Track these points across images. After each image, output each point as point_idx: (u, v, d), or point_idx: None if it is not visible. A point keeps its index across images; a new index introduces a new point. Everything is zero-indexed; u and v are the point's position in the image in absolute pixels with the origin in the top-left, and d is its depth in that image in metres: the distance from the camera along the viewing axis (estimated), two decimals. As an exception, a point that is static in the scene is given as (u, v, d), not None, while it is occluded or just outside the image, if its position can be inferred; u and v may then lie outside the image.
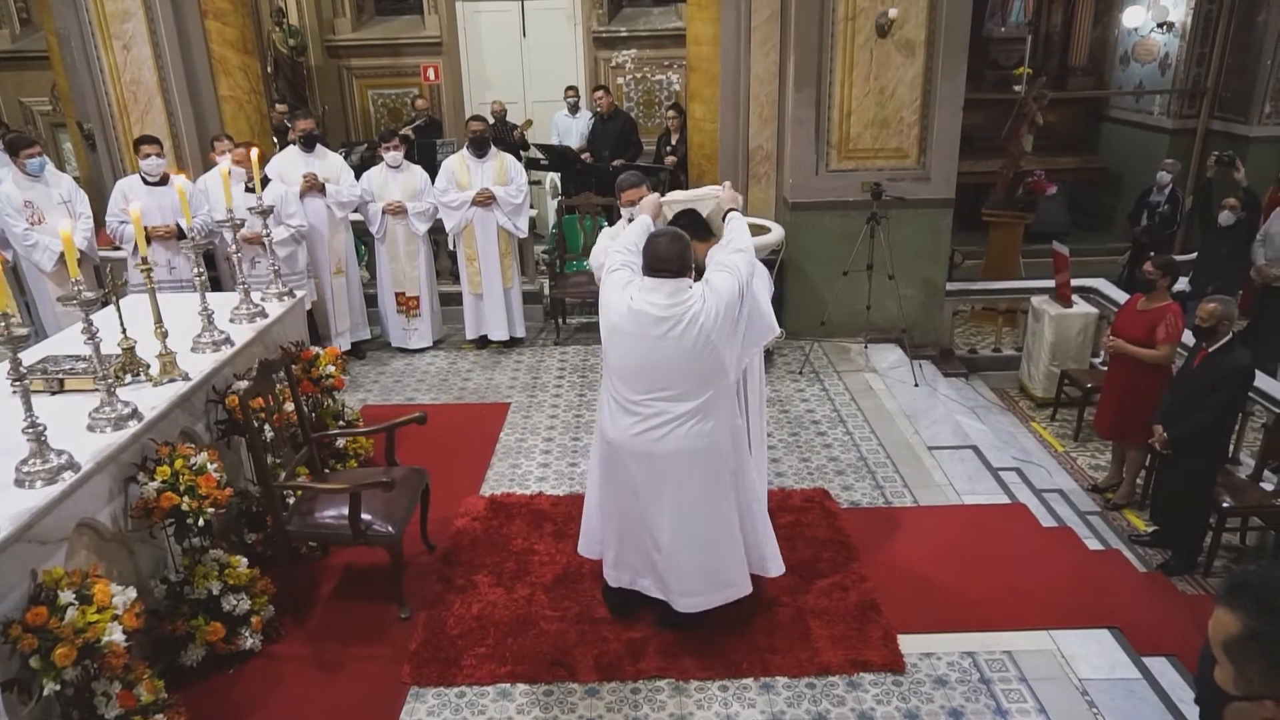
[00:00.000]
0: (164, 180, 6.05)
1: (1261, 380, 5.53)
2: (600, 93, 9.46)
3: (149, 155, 6.06)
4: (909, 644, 3.64)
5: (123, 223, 6.05)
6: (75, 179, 6.86)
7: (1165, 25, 10.99)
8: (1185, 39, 10.76)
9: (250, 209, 4.81)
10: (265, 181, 5.94)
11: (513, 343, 7.15)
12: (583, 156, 9.20)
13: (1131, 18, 11.54)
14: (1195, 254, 8.36)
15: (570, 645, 3.64)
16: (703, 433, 3.37)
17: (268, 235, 5.18)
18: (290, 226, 6.20)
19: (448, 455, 5.21)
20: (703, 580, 3.54)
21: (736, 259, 3.41)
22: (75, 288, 3.14)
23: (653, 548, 3.52)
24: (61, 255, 5.72)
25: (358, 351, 6.99)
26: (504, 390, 6.36)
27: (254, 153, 4.93)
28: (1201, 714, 1.28)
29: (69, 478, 3.03)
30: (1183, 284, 7.87)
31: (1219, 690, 1.20)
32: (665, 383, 3.33)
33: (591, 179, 8.74)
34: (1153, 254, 6.04)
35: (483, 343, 7.14)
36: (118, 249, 6.41)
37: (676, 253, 3.30)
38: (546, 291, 7.59)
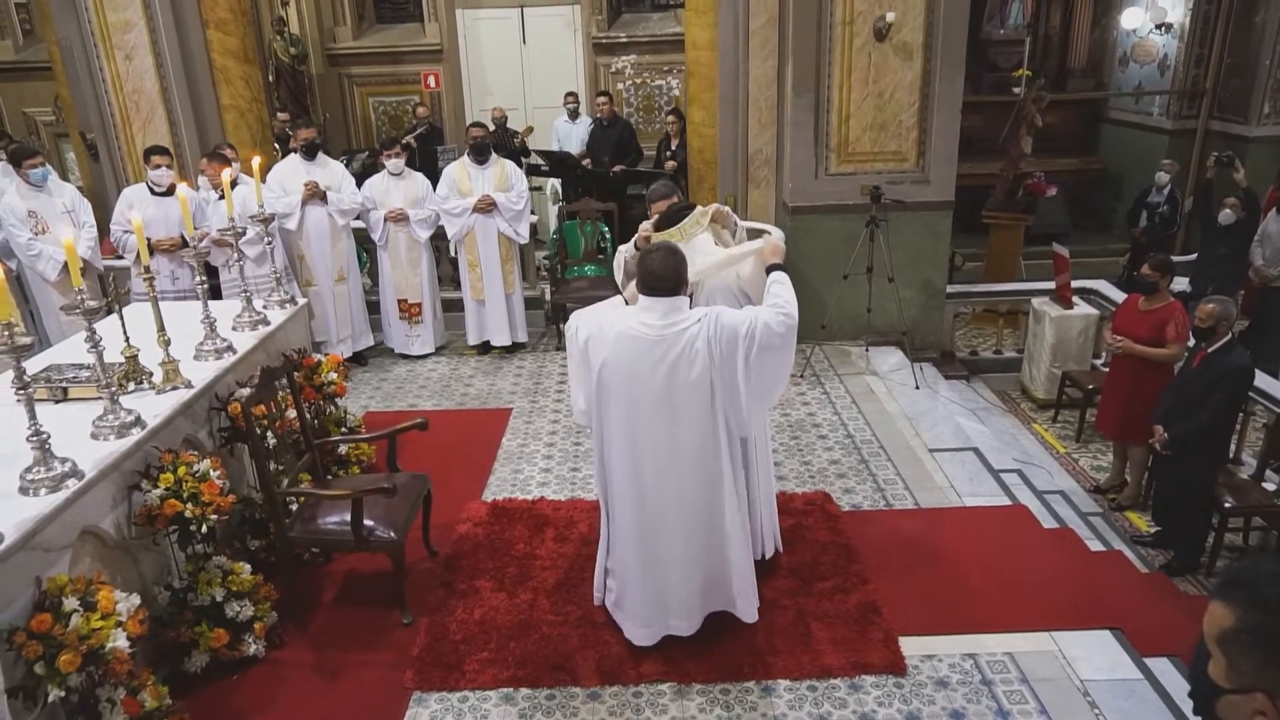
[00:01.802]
0: (171, 190, 6.08)
1: (1262, 380, 5.53)
2: (603, 98, 9.49)
3: (159, 166, 6.10)
4: (910, 646, 3.64)
5: (126, 232, 6.09)
6: (78, 189, 6.91)
7: (1164, 26, 11.00)
8: (1184, 40, 10.78)
9: (251, 216, 4.83)
10: (233, 185, 5.93)
11: (514, 348, 7.17)
12: (583, 162, 9.23)
13: (1130, 19, 11.56)
14: (1195, 255, 8.36)
15: (572, 649, 3.65)
16: (702, 486, 3.35)
17: (269, 242, 5.22)
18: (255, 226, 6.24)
19: (450, 461, 5.23)
20: (702, 606, 3.58)
21: (767, 315, 3.22)
22: (78, 297, 3.17)
23: (668, 588, 3.51)
24: (66, 265, 5.76)
25: (360, 358, 7.01)
26: (506, 395, 6.38)
27: (255, 161, 4.95)
28: (1195, 708, 1.29)
29: (73, 485, 3.05)
30: (1183, 284, 7.87)
31: (1213, 684, 1.21)
32: (666, 430, 3.25)
33: (592, 184, 8.78)
34: (1151, 253, 6.05)
35: (485, 348, 7.16)
36: (120, 258, 6.44)
37: (672, 268, 3.20)
38: (548, 297, 7.61)
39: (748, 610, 3.64)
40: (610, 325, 3.29)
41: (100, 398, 3.44)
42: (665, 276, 3.19)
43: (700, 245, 3.76)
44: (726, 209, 4.09)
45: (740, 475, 3.52)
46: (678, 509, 3.38)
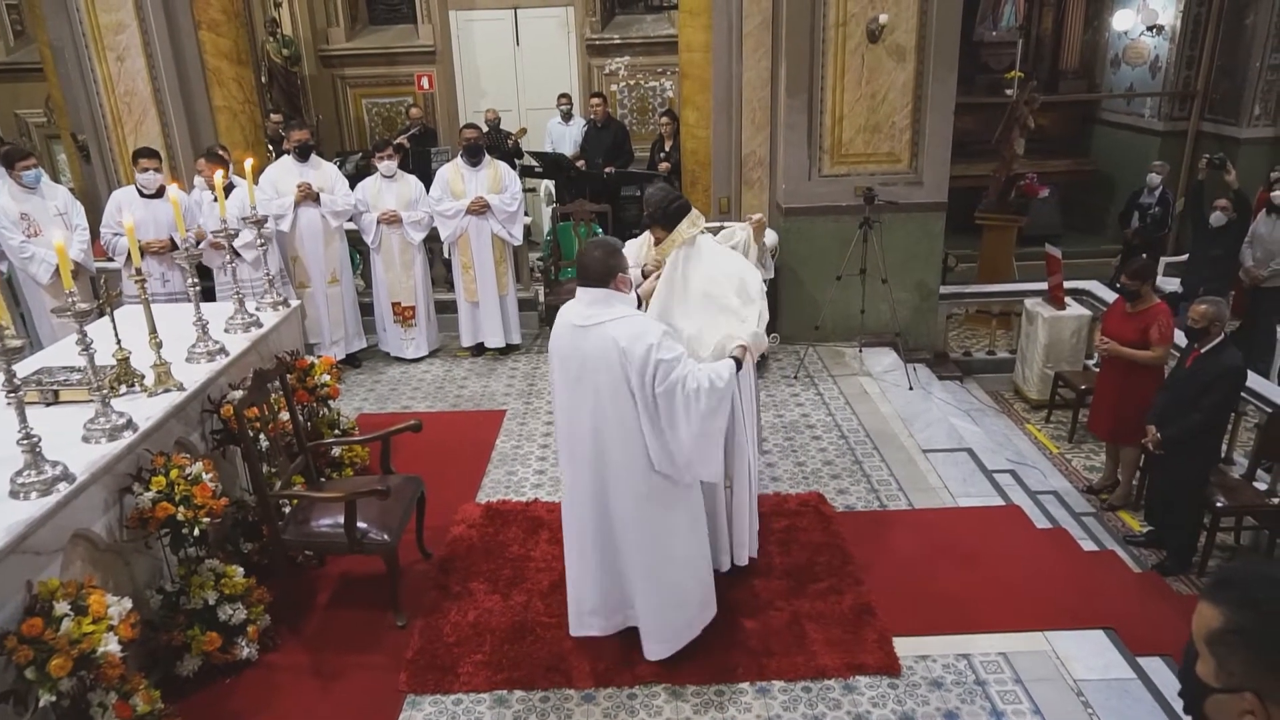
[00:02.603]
0: (160, 193, 6.06)
1: (1253, 380, 5.56)
2: (596, 100, 9.49)
3: (146, 169, 6.07)
4: (904, 646, 3.65)
5: (116, 234, 6.06)
6: (70, 190, 6.88)
7: (1155, 28, 11.06)
8: (1175, 42, 10.84)
9: (243, 218, 4.81)
10: (229, 189, 5.95)
11: (508, 349, 7.17)
12: (576, 164, 9.22)
13: (1121, 21, 11.62)
14: (1187, 255, 8.40)
15: (567, 651, 3.64)
16: (613, 495, 3.35)
17: (262, 245, 5.20)
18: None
19: (444, 463, 5.22)
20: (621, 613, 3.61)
21: (693, 370, 3.14)
22: (69, 299, 3.16)
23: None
24: (58, 267, 5.73)
25: (353, 360, 6.99)
26: (500, 397, 6.37)
27: (248, 163, 4.94)
28: (1185, 707, 1.30)
29: (64, 489, 3.04)
30: (1174, 285, 7.91)
31: (1201, 683, 1.22)
32: (589, 423, 3.27)
33: (585, 186, 8.77)
34: (1143, 255, 6.07)
35: (478, 350, 7.15)
36: (111, 260, 6.42)
37: (596, 261, 3.23)
38: (541, 298, 7.61)
39: (652, 648, 3.52)
40: (562, 312, 3.36)
41: (92, 401, 3.42)
42: (589, 269, 3.23)
43: (704, 248, 3.75)
44: (765, 221, 4.16)
45: (674, 508, 3.38)
46: (590, 506, 3.39)
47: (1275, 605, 1.16)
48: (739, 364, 3.39)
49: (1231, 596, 1.20)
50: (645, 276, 3.93)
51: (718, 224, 4.28)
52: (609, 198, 8.21)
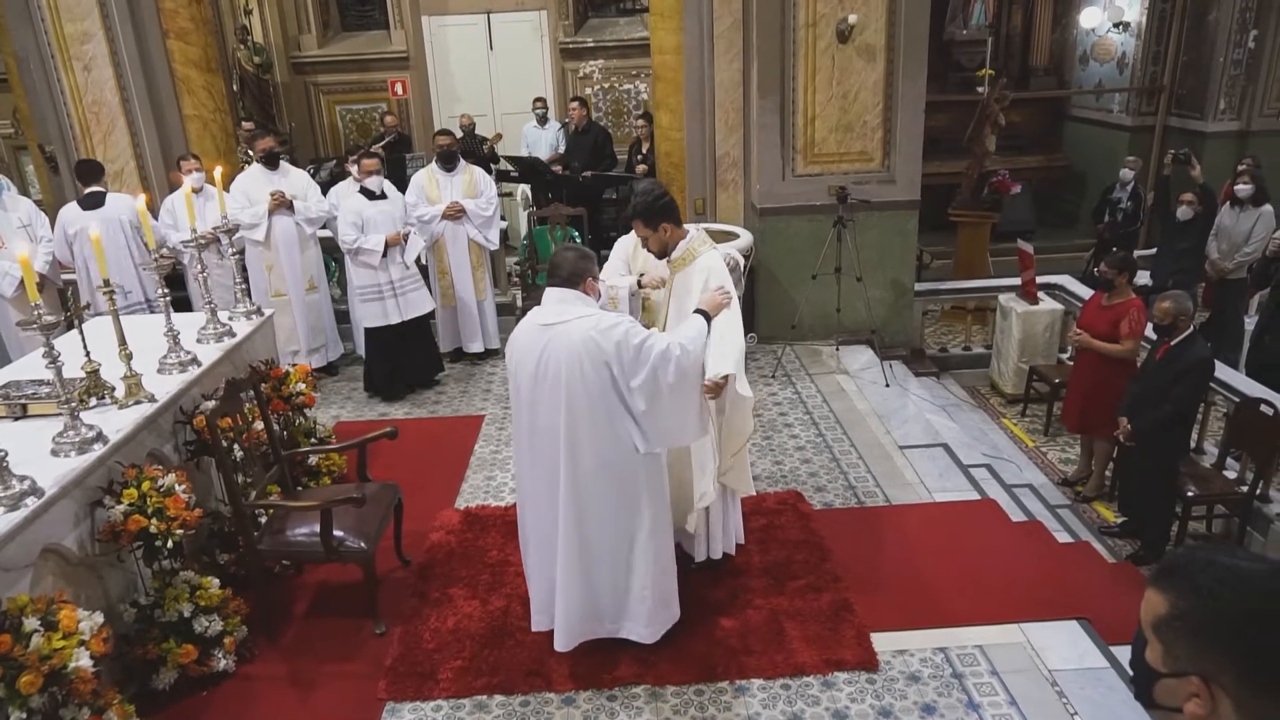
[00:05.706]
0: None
1: (1222, 371, 5.64)
2: (575, 105, 9.46)
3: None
4: (882, 642, 3.68)
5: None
6: (38, 202, 6.81)
7: (1121, 25, 11.22)
8: (1141, 38, 11.00)
9: (216, 228, 4.77)
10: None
11: (487, 354, 7.15)
12: (554, 169, 9.20)
13: (1089, 18, 11.78)
14: (1155, 249, 8.52)
15: (546, 655, 3.63)
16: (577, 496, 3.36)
17: (236, 254, 5.16)
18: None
19: (423, 469, 5.21)
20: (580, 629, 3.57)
21: (666, 343, 3.20)
22: (35, 312, 3.12)
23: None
24: (22, 280, 5.66)
25: (331, 368, 6.95)
26: (478, 402, 6.35)
27: (217, 171, 4.91)
28: (1136, 692, 1.33)
29: (32, 503, 3.00)
30: (1144, 278, 8.01)
31: (1150, 669, 1.25)
32: (545, 427, 3.27)
33: (562, 190, 8.77)
34: (1114, 249, 6.15)
35: (457, 355, 7.13)
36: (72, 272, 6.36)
37: (568, 261, 3.29)
38: (519, 303, 7.60)
39: (638, 630, 3.55)
40: (528, 315, 3.38)
41: (60, 414, 3.39)
42: (560, 266, 3.31)
43: (698, 272, 3.69)
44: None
45: (638, 498, 3.39)
46: (551, 506, 3.40)
47: (1218, 591, 1.19)
48: (708, 317, 3.41)
49: (1176, 583, 1.23)
50: (641, 285, 3.87)
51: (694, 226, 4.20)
52: (587, 202, 8.20)
